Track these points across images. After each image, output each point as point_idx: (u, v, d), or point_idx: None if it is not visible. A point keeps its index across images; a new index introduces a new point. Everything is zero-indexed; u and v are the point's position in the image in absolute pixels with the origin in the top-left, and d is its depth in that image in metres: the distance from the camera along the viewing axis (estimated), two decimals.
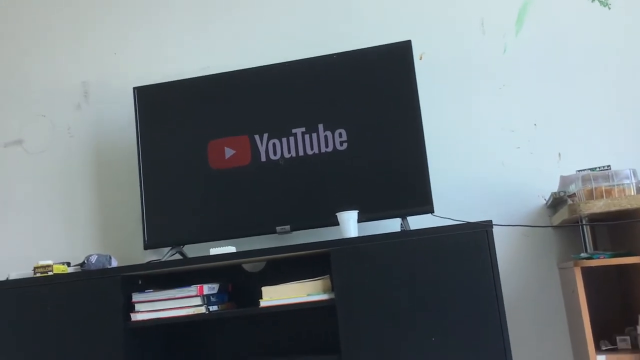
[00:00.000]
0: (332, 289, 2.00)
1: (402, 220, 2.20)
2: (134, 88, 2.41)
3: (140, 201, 2.36)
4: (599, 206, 1.82)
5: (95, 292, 2.08)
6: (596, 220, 2.09)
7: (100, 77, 2.68)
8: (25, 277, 2.20)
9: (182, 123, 2.37)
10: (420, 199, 2.17)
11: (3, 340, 2.11)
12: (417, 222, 2.24)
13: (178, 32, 2.64)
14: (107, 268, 2.19)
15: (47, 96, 2.71)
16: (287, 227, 2.24)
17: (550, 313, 2.25)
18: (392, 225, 2.32)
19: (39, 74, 2.73)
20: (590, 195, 1.88)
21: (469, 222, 1.95)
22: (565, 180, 2.05)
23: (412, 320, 1.91)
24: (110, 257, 2.26)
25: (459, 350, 1.87)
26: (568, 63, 2.36)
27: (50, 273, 2.17)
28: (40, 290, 2.12)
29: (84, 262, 2.24)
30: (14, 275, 2.24)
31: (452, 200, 2.34)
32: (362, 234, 2.06)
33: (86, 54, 2.70)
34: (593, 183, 1.89)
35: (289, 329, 2.29)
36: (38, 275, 2.17)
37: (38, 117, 2.71)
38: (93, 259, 2.23)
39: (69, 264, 2.25)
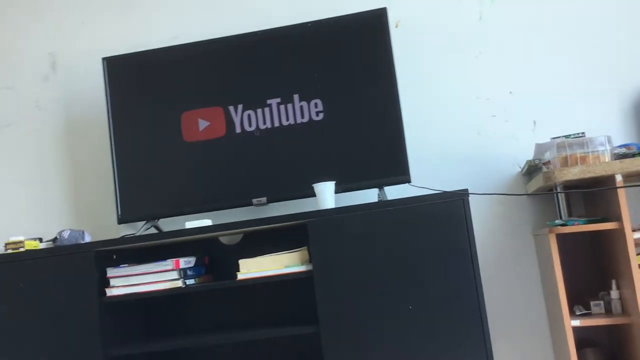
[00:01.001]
0: (310, 260, 1.99)
1: (379, 190, 2.19)
2: (103, 58, 2.35)
3: (112, 175, 2.31)
4: (573, 173, 1.83)
5: (68, 268, 2.05)
6: (571, 187, 2.10)
7: (68, 48, 2.60)
8: None
9: (153, 94, 2.32)
10: (397, 168, 2.17)
11: None
12: (394, 192, 2.23)
13: (147, 1, 2.56)
14: (81, 243, 2.15)
15: (13, 68, 2.63)
16: (264, 199, 2.22)
17: (526, 280, 2.28)
18: (369, 195, 2.31)
19: (3, 45, 2.64)
20: (565, 162, 1.89)
21: (445, 192, 1.95)
22: (540, 148, 2.06)
23: (390, 290, 1.91)
24: (83, 233, 2.22)
25: (435, 318, 1.89)
26: (544, 31, 2.35)
27: (21, 249, 2.12)
28: (12, 267, 2.08)
29: (56, 237, 2.20)
30: None
31: (429, 170, 2.34)
32: (339, 205, 2.05)
33: (53, 24, 2.62)
34: (568, 150, 1.90)
35: (266, 301, 2.29)
36: (9, 251, 2.13)
37: (4, 89, 2.62)
38: (66, 234, 2.19)
39: (41, 240, 2.21)
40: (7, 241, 2.15)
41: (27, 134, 2.59)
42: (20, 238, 2.16)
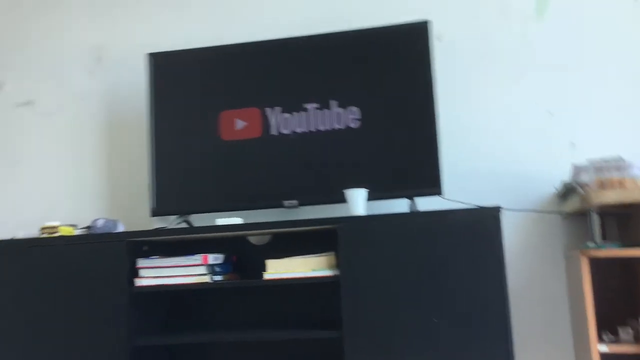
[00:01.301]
0: (337, 265, 2.00)
1: (410, 201, 2.19)
2: (148, 54, 2.40)
3: (149, 168, 2.35)
4: (610, 197, 1.81)
5: (100, 255, 2.09)
6: (606, 211, 2.07)
7: (114, 42, 2.66)
8: (32, 237, 2.20)
9: (194, 92, 2.36)
10: (429, 180, 2.16)
11: (7, 299, 2.13)
12: (425, 204, 2.23)
13: (194, 0, 2.61)
14: (114, 232, 2.19)
15: (60, 59, 2.70)
16: (295, 202, 2.24)
17: (554, 301, 2.25)
18: (400, 205, 2.31)
19: (53, 36, 2.72)
20: (602, 185, 1.87)
21: (478, 207, 1.94)
22: (577, 170, 2.03)
23: (415, 301, 1.91)
24: (117, 222, 2.27)
25: (460, 332, 1.87)
26: (586, 52, 2.33)
27: (56, 234, 2.17)
28: (46, 251, 2.13)
29: (90, 225, 2.25)
30: (21, 234, 2.25)
31: (462, 185, 2.33)
32: (369, 213, 2.05)
33: (101, 19, 2.69)
34: (605, 173, 1.88)
35: (290, 303, 2.30)
36: (45, 235, 2.18)
37: (50, 79, 2.70)
38: (100, 222, 2.23)
39: (75, 227, 2.26)
40: (42, 225, 2.20)
41: (69, 123, 2.66)
42: (56, 223, 2.21)
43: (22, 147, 2.68)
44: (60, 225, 2.20)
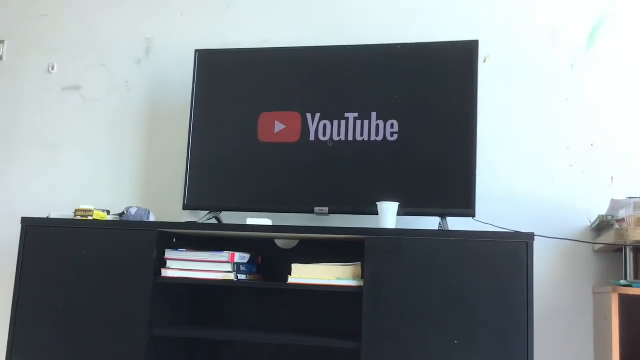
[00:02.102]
0: (362, 276, 1.99)
1: (442, 220, 2.18)
2: (196, 50, 2.43)
3: (185, 162, 2.38)
4: None
5: (130, 243, 2.12)
6: None
7: (163, 36, 2.71)
8: (65, 218, 2.25)
9: (237, 91, 2.39)
10: (463, 201, 2.15)
11: (37, 276, 2.17)
12: (456, 224, 2.21)
13: (245, 1, 2.65)
14: (145, 221, 2.22)
15: (110, 47, 2.76)
16: (326, 209, 2.24)
17: (578, 336, 2.21)
18: (430, 223, 2.30)
19: (105, 24, 2.78)
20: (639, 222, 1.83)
21: (510, 231, 1.92)
22: (615, 205, 2.00)
23: (438, 320, 1.89)
24: (149, 212, 2.30)
25: (481, 357, 1.85)
26: (634, 85, 2.29)
27: (90, 218, 2.21)
28: (78, 233, 2.17)
29: (123, 212, 2.28)
30: (54, 215, 2.30)
31: (495, 209, 2.30)
32: (399, 228, 2.04)
33: (153, 12, 2.74)
34: None
35: (311, 310, 2.30)
36: (78, 218, 2.22)
37: (98, 66, 2.76)
38: (133, 210, 2.27)
39: (108, 212, 2.30)
40: (77, 208, 2.25)
41: (113, 111, 2.71)
42: (90, 207, 2.25)
43: (64, 130, 2.74)
44: (95, 210, 2.24)
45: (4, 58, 2.85)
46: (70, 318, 2.12)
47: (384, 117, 2.26)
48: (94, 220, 2.20)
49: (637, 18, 2.33)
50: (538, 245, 2.22)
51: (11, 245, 2.63)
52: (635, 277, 2.06)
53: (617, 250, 2.11)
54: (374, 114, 2.27)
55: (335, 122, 2.29)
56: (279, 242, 2.35)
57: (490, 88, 2.38)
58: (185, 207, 2.36)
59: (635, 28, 2.32)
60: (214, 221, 2.38)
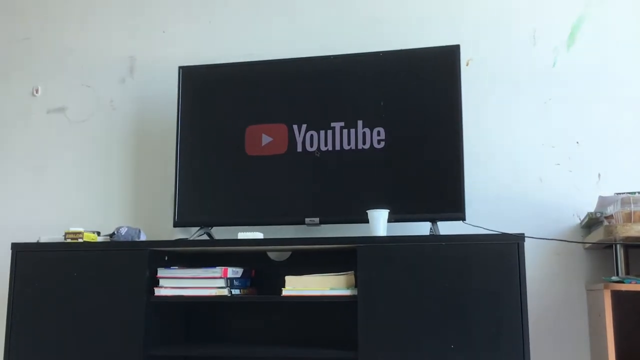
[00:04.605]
0: (356, 285, 1.99)
1: (432, 224, 2.18)
2: (180, 67, 2.44)
3: (174, 179, 2.38)
4: (636, 230, 1.78)
5: (122, 263, 2.11)
6: (631, 245, 2.04)
7: (146, 54, 2.71)
8: (55, 241, 2.24)
9: (222, 106, 2.39)
10: (452, 205, 2.15)
11: (28, 301, 2.15)
12: (446, 228, 2.22)
13: (227, 16, 2.66)
14: (136, 241, 2.22)
15: (93, 68, 2.76)
16: (316, 220, 2.24)
17: (573, 334, 2.22)
18: (421, 229, 2.30)
19: (87, 45, 2.78)
20: (628, 218, 1.84)
21: (500, 233, 1.93)
22: (603, 201, 2.01)
23: (433, 326, 1.89)
24: (139, 231, 2.29)
25: None
26: (617, 83, 2.31)
27: (80, 240, 2.20)
28: (68, 256, 2.16)
29: (114, 232, 2.28)
30: (44, 238, 2.28)
31: (485, 211, 2.31)
32: (390, 235, 2.05)
33: (135, 30, 2.74)
34: (632, 206, 1.85)
35: (307, 321, 2.29)
36: (68, 240, 2.21)
37: (83, 87, 2.75)
38: (123, 230, 2.26)
39: (99, 233, 2.29)
40: (67, 231, 2.23)
41: (99, 131, 2.70)
42: (80, 229, 2.24)
43: (50, 152, 2.72)
44: (85, 232, 2.23)
45: None
46: (64, 341, 2.10)
47: (370, 125, 2.27)
48: (85, 242, 2.19)
49: (616, 15, 2.35)
50: (529, 246, 2.22)
51: (1, 271, 2.61)
52: (627, 273, 2.08)
53: (607, 246, 2.12)
54: (360, 122, 2.28)
55: (322, 132, 2.30)
56: (271, 255, 2.35)
57: (474, 91, 2.39)
58: (175, 224, 2.36)
59: (615, 25, 2.35)
60: (205, 237, 2.37)
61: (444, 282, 1.91)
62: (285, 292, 2.04)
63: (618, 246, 2.02)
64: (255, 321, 2.33)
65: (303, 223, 2.26)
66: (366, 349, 1.92)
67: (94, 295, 2.11)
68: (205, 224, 2.35)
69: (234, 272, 2.14)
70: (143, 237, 2.30)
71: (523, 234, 1.91)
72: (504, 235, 1.93)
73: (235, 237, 2.11)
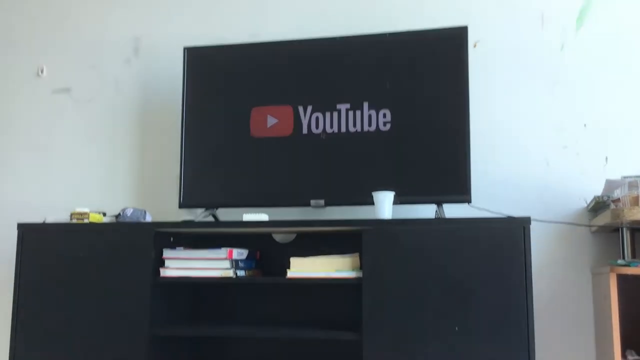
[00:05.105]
0: (361, 267, 1.99)
1: (438, 207, 2.18)
2: (185, 48, 2.42)
3: (179, 160, 2.38)
4: None
5: (128, 244, 2.12)
6: (638, 228, 2.03)
7: (151, 34, 2.69)
8: (61, 222, 2.24)
9: (228, 87, 2.38)
10: (458, 187, 2.15)
11: (34, 281, 2.17)
12: (452, 211, 2.21)
13: None
14: (142, 222, 2.22)
15: (98, 48, 2.74)
16: (322, 202, 2.24)
17: (578, 316, 2.22)
18: (426, 211, 2.30)
19: (92, 25, 2.76)
20: (635, 202, 1.83)
21: (506, 216, 1.92)
22: (610, 185, 2.00)
23: (438, 308, 1.89)
24: (145, 212, 2.29)
25: (481, 343, 1.86)
26: (625, 66, 2.29)
27: (86, 221, 2.21)
28: (74, 237, 2.16)
29: (119, 213, 2.28)
30: (50, 219, 2.29)
31: (491, 194, 2.30)
32: (396, 217, 2.04)
33: (140, 10, 2.72)
34: (639, 190, 1.84)
35: (312, 302, 2.30)
36: (74, 221, 2.22)
37: (88, 67, 2.74)
38: (129, 211, 2.26)
39: (104, 214, 2.29)
40: (72, 211, 2.24)
41: (104, 111, 2.70)
42: (86, 210, 2.24)
43: (56, 132, 2.72)
44: (90, 212, 2.23)
45: None
46: (70, 321, 2.12)
47: (376, 106, 2.26)
48: (91, 223, 2.20)
49: None
50: (535, 229, 2.22)
51: (7, 251, 2.62)
52: (633, 257, 2.07)
53: (614, 230, 2.11)
54: (365, 104, 2.27)
55: (328, 114, 2.29)
56: (276, 237, 2.35)
57: (481, 73, 2.37)
58: (181, 206, 2.36)
59: (623, 7, 2.31)
60: (210, 218, 2.37)
61: (449, 264, 1.91)
62: (290, 273, 2.04)
63: (624, 230, 2.02)
64: (260, 303, 2.34)
65: (308, 205, 2.25)
66: (370, 330, 1.92)
67: (100, 276, 2.12)
68: (210, 206, 2.35)
69: (239, 253, 2.14)
70: (149, 218, 2.31)
71: (529, 217, 1.90)
72: (510, 219, 1.92)
73: (240, 219, 2.11)
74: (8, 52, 2.83)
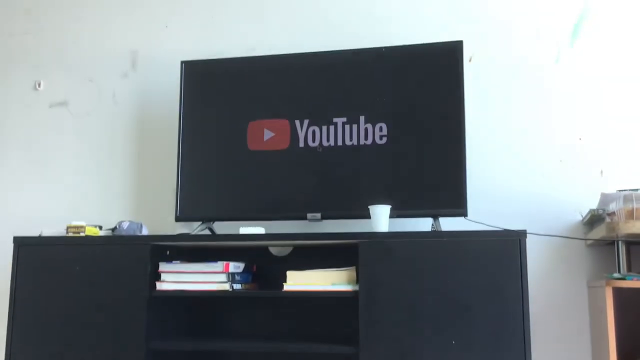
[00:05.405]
0: (357, 281, 1.99)
1: (434, 220, 2.18)
2: (182, 62, 2.43)
3: (176, 174, 2.38)
4: (638, 227, 1.78)
5: (124, 257, 2.11)
6: (634, 241, 2.04)
7: (149, 48, 2.71)
8: (57, 235, 2.24)
9: (225, 101, 2.39)
10: (454, 201, 2.15)
11: (30, 295, 2.16)
12: (449, 225, 2.21)
13: (229, 11, 2.65)
14: (138, 235, 2.22)
15: (95, 62, 2.75)
16: (318, 215, 2.24)
17: (574, 331, 2.22)
18: (422, 225, 2.30)
19: (90, 39, 2.78)
20: (631, 215, 1.84)
21: (502, 229, 1.93)
22: (605, 198, 2.01)
23: (434, 322, 1.89)
24: (141, 225, 2.29)
25: (479, 356, 1.85)
26: (620, 80, 2.31)
27: (82, 234, 2.20)
28: (70, 250, 2.16)
29: (115, 227, 2.28)
30: (46, 232, 2.29)
31: (487, 207, 2.31)
32: (391, 231, 2.05)
33: (138, 24, 2.74)
34: (635, 203, 1.85)
35: (308, 316, 2.30)
36: (70, 234, 2.21)
37: (85, 81, 2.75)
38: (125, 225, 2.26)
39: (100, 228, 2.29)
40: (69, 225, 2.24)
41: (102, 125, 2.70)
42: (82, 223, 2.24)
43: (53, 146, 2.73)
44: (86, 225, 2.23)
45: None
46: (66, 335, 2.11)
47: (372, 120, 2.27)
48: (87, 236, 2.20)
49: (619, 10, 2.34)
50: (531, 242, 2.22)
51: (3, 264, 2.61)
52: (629, 270, 2.07)
53: (609, 243, 2.12)
54: (362, 118, 2.28)
55: (324, 128, 2.30)
56: (273, 250, 2.35)
57: (477, 87, 2.39)
58: (177, 219, 2.36)
59: (618, 20, 2.34)
60: (207, 232, 2.37)
61: (446, 278, 1.91)
62: (286, 287, 2.04)
63: (620, 243, 2.02)
64: (257, 316, 2.34)
65: (305, 218, 2.26)
66: (367, 344, 1.92)
67: (96, 290, 2.11)
68: (207, 219, 2.35)
69: (235, 267, 2.14)
70: (145, 232, 2.31)
71: (525, 230, 1.91)
72: (506, 232, 1.93)
73: (237, 232, 2.11)
74: (5, 66, 2.84)
